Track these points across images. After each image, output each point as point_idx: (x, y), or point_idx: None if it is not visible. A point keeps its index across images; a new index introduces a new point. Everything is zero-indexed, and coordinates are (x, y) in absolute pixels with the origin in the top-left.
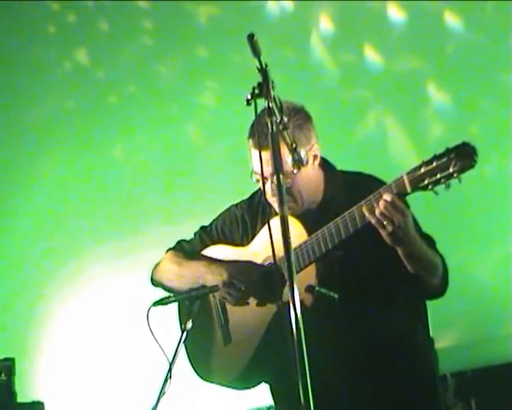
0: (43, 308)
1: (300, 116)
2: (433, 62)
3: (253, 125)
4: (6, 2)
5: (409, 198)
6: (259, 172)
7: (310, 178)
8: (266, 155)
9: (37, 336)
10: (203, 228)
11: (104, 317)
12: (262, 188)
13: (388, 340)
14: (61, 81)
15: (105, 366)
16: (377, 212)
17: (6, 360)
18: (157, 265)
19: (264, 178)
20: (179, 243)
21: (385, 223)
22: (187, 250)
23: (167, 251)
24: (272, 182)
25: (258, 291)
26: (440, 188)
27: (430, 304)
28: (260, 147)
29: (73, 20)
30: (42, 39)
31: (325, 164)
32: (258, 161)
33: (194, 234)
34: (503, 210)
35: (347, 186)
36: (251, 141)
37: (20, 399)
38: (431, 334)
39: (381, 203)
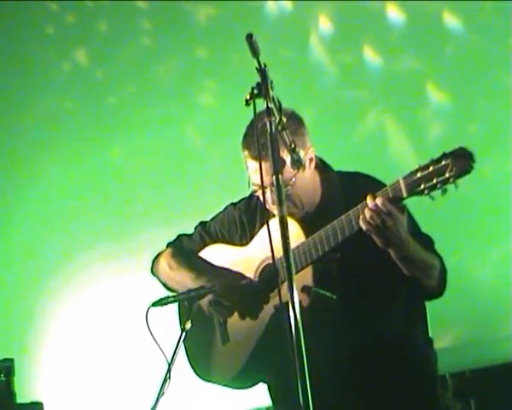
0: (43, 309)
1: (294, 121)
2: (432, 63)
3: (246, 135)
4: (4, 2)
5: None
6: (258, 182)
7: (307, 181)
8: (265, 165)
9: (36, 337)
10: (202, 225)
11: (103, 317)
12: (262, 198)
13: (387, 340)
14: (60, 81)
15: (104, 367)
16: (366, 215)
17: (5, 360)
18: (157, 257)
19: (264, 188)
20: (179, 237)
21: (374, 226)
22: (186, 248)
23: (168, 245)
24: (272, 191)
25: (241, 308)
26: (437, 193)
27: (429, 304)
28: (260, 157)
29: (72, 20)
30: (41, 40)
31: (321, 165)
32: (256, 171)
33: (195, 229)
34: (502, 210)
35: (344, 187)
36: (247, 152)
37: (19, 399)
38: (430, 334)
39: (370, 206)
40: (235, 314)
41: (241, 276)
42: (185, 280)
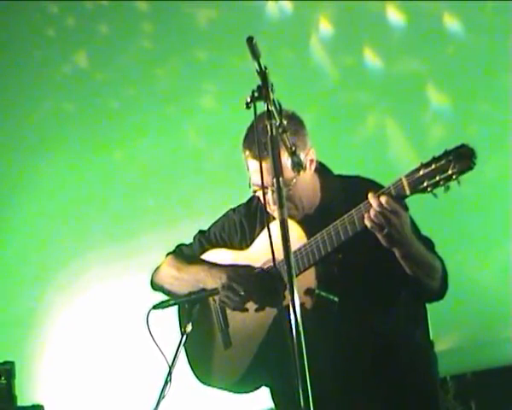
0: (43, 312)
1: (295, 122)
2: (433, 64)
3: (247, 136)
4: (5, 4)
5: (407, 200)
6: (258, 182)
7: (308, 183)
8: (266, 165)
9: (36, 340)
10: (202, 232)
11: (104, 320)
12: (262, 199)
13: (388, 343)
14: (61, 84)
15: (105, 370)
16: (372, 214)
17: (6, 363)
18: (157, 269)
19: (264, 188)
20: (179, 247)
21: (379, 224)
22: (187, 254)
23: (167, 255)
24: (273, 192)
25: (257, 295)
26: (439, 190)
27: (430, 307)
28: (260, 157)
29: (73, 22)
30: (41, 42)
31: (321, 168)
32: (257, 171)
33: (194, 238)
34: (502, 212)
35: (345, 190)
36: (248, 152)
37: (20, 402)
38: (431, 337)
39: (375, 205)
40: (244, 309)
41: (251, 267)
42: (199, 274)
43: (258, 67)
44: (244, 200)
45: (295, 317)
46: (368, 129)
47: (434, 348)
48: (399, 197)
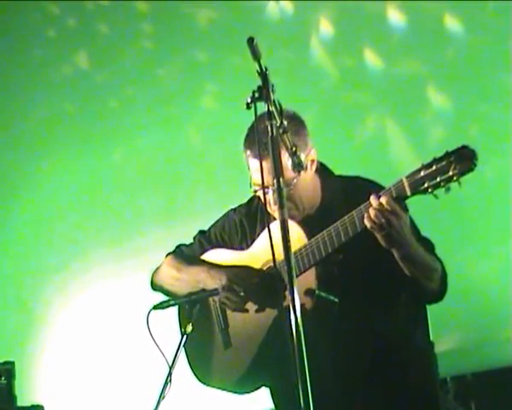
0: (43, 312)
1: (296, 122)
2: (433, 65)
3: (248, 136)
4: (6, 5)
5: (408, 201)
6: (259, 182)
7: (308, 183)
8: (267, 164)
9: (37, 340)
10: (202, 233)
11: (104, 320)
12: (263, 199)
13: (387, 343)
14: (61, 84)
15: (105, 370)
16: (371, 213)
17: (6, 363)
18: (157, 269)
19: (265, 188)
20: (179, 247)
21: (379, 224)
22: (187, 255)
23: (167, 255)
24: (274, 192)
25: (257, 296)
26: (440, 191)
27: (430, 308)
28: (261, 157)
29: (73, 23)
30: (42, 42)
31: (322, 169)
32: (258, 170)
33: (194, 238)
34: (502, 213)
35: (345, 191)
36: (249, 151)
37: (19, 402)
38: (431, 338)
39: (375, 205)
40: (244, 310)
41: (251, 268)
42: (199, 275)
43: (258, 68)
44: (244, 200)
45: (295, 317)
46: (368, 130)
47: (434, 349)
48: (400, 198)
